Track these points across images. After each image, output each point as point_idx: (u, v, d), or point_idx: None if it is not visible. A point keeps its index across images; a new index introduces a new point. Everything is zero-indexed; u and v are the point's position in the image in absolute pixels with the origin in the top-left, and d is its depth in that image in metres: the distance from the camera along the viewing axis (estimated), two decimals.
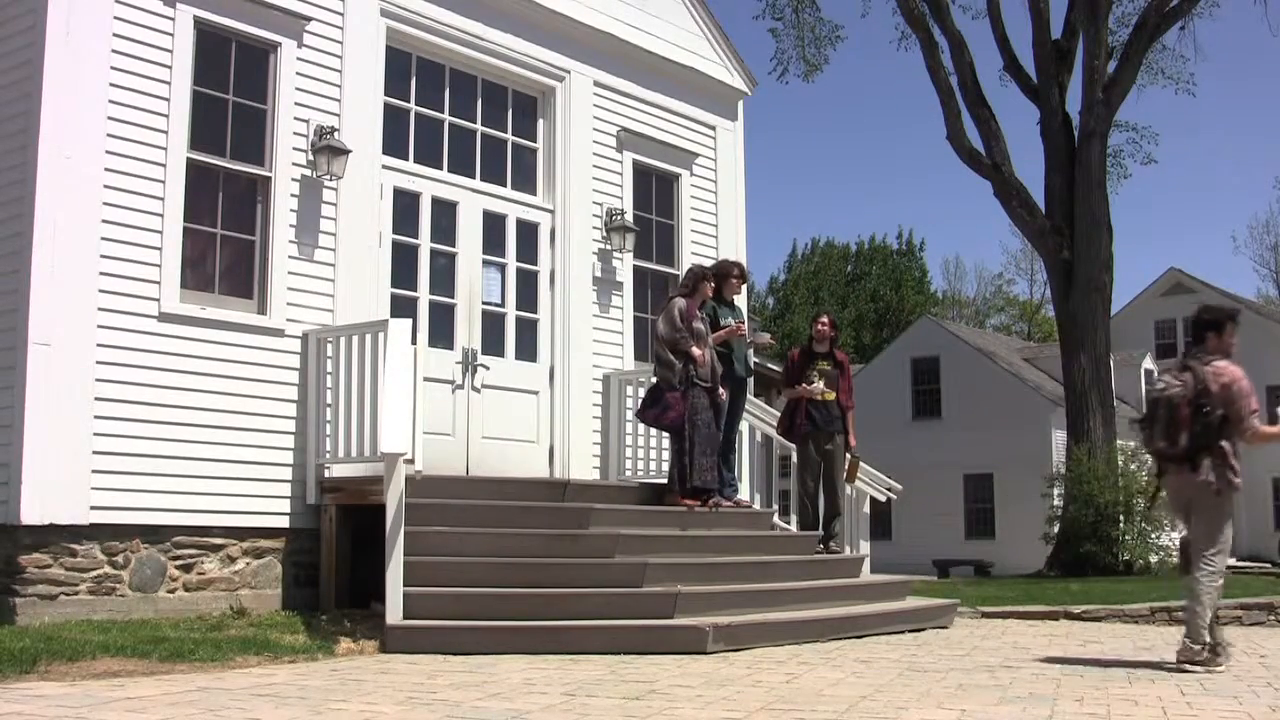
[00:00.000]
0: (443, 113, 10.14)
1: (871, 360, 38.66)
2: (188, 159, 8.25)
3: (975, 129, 22.10)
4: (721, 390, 9.65)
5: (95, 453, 7.58)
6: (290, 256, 8.75)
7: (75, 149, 7.67)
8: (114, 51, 7.94)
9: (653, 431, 10.37)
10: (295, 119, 8.85)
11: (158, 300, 8.00)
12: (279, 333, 8.63)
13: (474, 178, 10.22)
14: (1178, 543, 22.16)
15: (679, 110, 11.95)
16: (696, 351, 9.34)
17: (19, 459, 7.30)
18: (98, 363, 7.66)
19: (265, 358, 8.53)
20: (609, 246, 11.00)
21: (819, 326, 10.49)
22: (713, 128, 12.30)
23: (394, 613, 7.22)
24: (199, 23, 8.38)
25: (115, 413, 7.70)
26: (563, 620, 7.36)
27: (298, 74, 8.91)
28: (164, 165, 8.10)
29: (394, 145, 9.64)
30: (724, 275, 10.23)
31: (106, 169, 7.82)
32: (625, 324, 11.15)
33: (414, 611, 7.28)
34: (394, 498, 7.34)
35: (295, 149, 8.83)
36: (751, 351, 10.61)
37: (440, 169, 9.99)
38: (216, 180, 8.50)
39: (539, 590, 7.70)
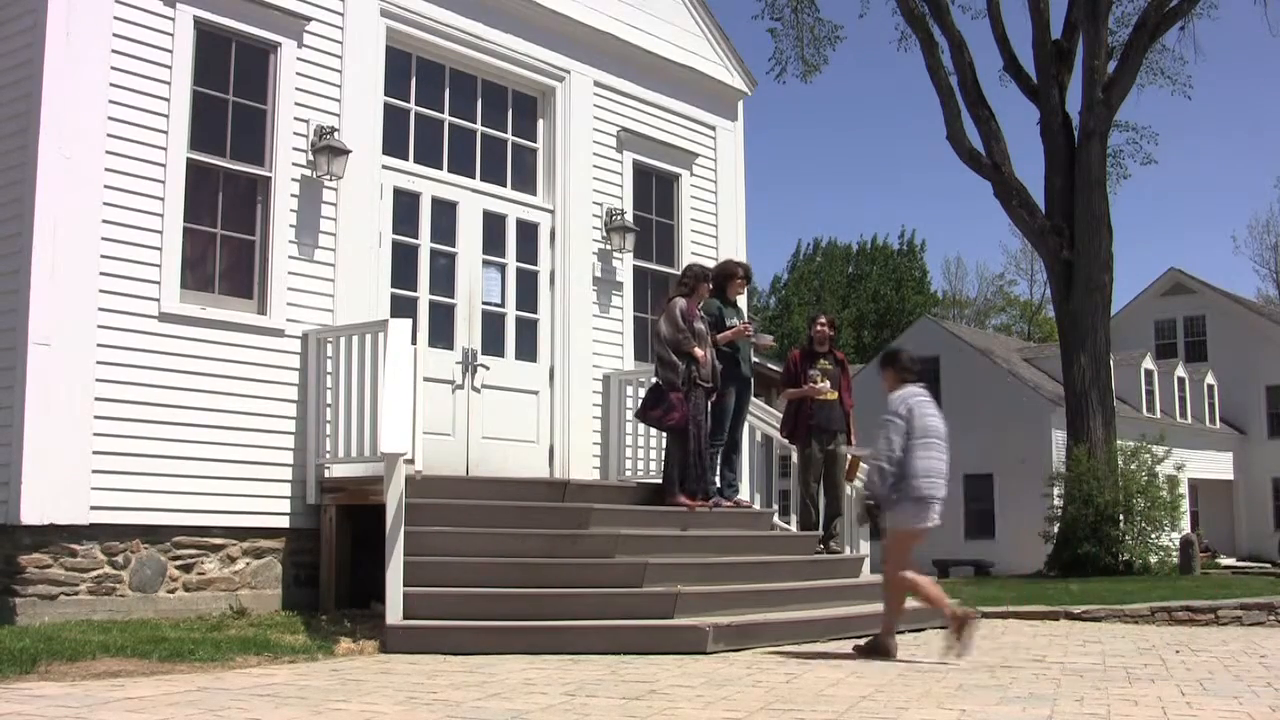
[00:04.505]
0: (443, 113, 10.14)
1: (872, 360, 38.65)
2: (188, 159, 8.25)
3: (975, 129, 22.10)
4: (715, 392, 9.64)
5: (95, 453, 7.58)
6: (290, 256, 8.75)
7: (75, 149, 7.67)
8: (114, 51, 7.94)
9: (653, 431, 10.36)
10: (295, 119, 8.85)
11: (158, 300, 8.00)
12: (279, 333, 8.63)
13: (474, 178, 10.22)
14: (1178, 542, 22.09)
15: (679, 110, 11.95)
16: (699, 352, 9.33)
17: (19, 459, 7.30)
18: (98, 363, 7.66)
19: (265, 358, 8.53)
20: (609, 246, 11.00)
21: (819, 327, 10.49)
22: (713, 128, 12.30)
23: (394, 613, 7.22)
24: (199, 23, 8.38)
25: (115, 413, 7.70)
26: (563, 620, 7.36)
27: (298, 74, 8.92)
28: (164, 165, 8.11)
29: (394, 145, 9.64)
30: (729, 275, 10.21)
31: (106, 169, 7.82)
32: (625, 324, 11.15)
33: (414, 611, 7.28)
34: (394, 498, 7.34)
35: (295, 149, 8.83)
36: (751, 352, 10.61)
37: (440, 169, 9.98)
38: (216, 180, 8.50)
39: (539, 590, 7.70)
